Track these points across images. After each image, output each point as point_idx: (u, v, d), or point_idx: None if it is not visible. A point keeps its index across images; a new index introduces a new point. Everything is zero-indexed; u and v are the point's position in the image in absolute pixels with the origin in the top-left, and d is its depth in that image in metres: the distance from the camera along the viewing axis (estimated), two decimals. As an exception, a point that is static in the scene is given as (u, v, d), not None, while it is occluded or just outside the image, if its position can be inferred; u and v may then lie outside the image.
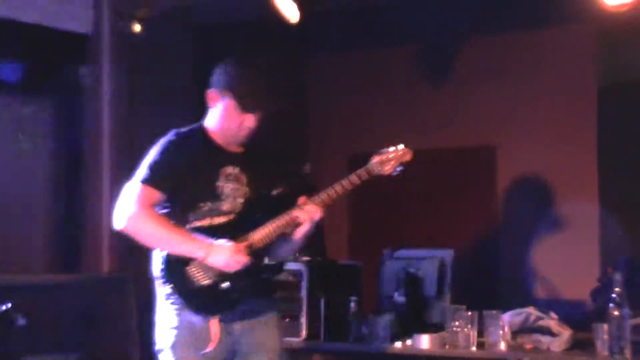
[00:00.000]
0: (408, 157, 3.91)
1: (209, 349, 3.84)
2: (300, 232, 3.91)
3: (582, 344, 4.69)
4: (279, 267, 4.06)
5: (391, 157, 3.88)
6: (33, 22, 5.83)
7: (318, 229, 5.22)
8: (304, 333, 5.16)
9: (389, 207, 6.99)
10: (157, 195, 3.87)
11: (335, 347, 5.24)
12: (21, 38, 5.84)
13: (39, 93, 6.14)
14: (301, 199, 3.82)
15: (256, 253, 3.88)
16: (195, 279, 3.84)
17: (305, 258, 5.31)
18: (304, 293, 5.22)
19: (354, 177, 3.81)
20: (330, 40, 6.80)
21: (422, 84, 6.96)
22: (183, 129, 4.04)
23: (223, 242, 3.79)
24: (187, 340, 3.87)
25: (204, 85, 3.93)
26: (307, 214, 3.81)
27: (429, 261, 5.32)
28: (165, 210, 3.91)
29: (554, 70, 6.47)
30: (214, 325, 3.84)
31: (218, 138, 3.97)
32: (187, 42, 6.18)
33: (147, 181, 3.84)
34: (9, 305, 4.78)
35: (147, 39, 6.10)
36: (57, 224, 5.58)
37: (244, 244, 3.83)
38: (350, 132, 6.98)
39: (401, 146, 3.90)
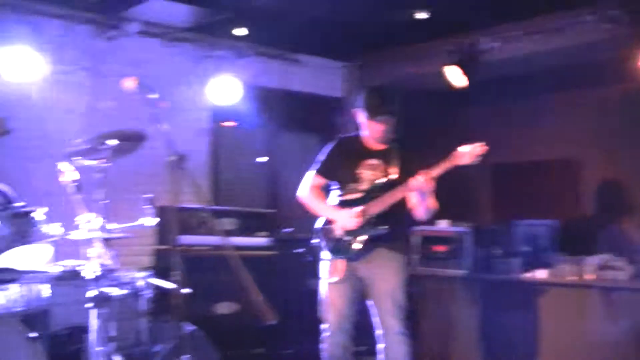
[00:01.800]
0: (479, 151, 3.90)
1: (333, 279, 4.13)
2: (414, 196, 4.00)
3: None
4: (384, 228, 4.10)
5: (467, 152, 3.93)
6: (313, 92, 7.37)
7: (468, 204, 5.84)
8: (467, 267, 5.85)
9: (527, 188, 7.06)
10: (319, 180, 4.29)
11: (480, 276, 5.84)
12: (303, 101, 7.30)
13: (315, 130, 7.43)
14: (419, 172, 3.93)
15: (371, 218, 4.06)
16: (332, 233, 4.18)
17: (467, 224, 6.01)
18: (467, 245, 5.89)
19: (445, 164, 3.92)
20: (484, 95, 6.82)
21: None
22: (346, 135, 4.41)
23: (346, 211, 4.08)
24: (325, 271, 4.21)
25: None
26: (417, 182, 3.92)
27: (542, 227, 5.91)
28: (334, 187, 4.27)
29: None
30: (341, 263, 4.14)
31: (366, 140, 4.20)
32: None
33: (314, 170, 4.31)
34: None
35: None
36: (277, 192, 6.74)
37: (359, 211, 4.05)
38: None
39: (475, 145, 3.93)
